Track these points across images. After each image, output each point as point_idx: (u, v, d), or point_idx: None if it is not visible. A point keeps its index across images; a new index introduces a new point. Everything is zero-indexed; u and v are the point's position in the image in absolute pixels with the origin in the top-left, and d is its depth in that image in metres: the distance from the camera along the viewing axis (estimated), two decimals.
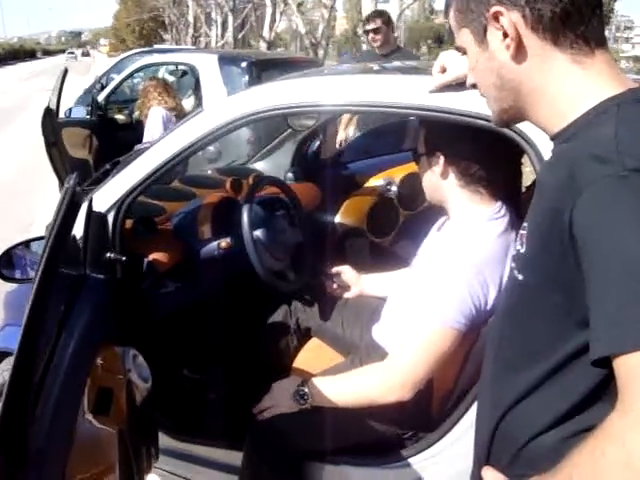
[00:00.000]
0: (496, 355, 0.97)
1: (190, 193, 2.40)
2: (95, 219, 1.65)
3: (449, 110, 1.44)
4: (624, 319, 0.68)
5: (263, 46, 16.91)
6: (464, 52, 0.93)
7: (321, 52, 15.16)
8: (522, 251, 0.88)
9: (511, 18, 0.84)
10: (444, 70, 1.40)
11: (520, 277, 0.88)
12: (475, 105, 1.39)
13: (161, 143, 1.76)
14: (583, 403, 0.82)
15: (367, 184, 3.18)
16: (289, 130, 3.07)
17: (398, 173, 3.22)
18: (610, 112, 0.80)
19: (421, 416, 1.64)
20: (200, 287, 2.05)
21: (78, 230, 1.77)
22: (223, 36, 20.98)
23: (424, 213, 3.38)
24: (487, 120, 1.38)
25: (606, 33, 0.90)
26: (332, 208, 2.95)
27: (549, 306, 0.82)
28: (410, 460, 1.61)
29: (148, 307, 1.92)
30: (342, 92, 1.59)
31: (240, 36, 20.78)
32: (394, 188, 3.16)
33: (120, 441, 0.98)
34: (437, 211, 3.64)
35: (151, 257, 1.90)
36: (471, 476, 1.08)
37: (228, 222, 2.04)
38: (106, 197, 1.75)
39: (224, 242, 1.94)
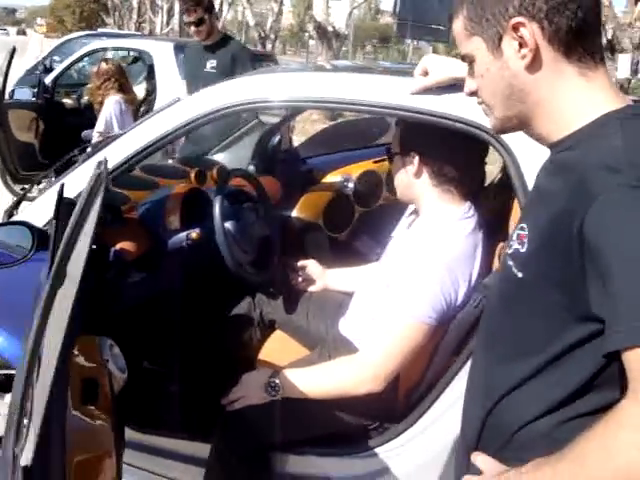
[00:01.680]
0: (488, 347, 1.02)
1: (153, 182, 2.38)
2: (66, 206, 1.62)
3: (426, 112, 1.48)
4: None
5: None
6: (471, 60, 0.96)
7: (269, 46, 15.11)
8: (522, 250, 0.92)
9: (532, 29, 0.88)
10: (426, 73, 1.45)
11: (519, 275, 0.92)
12: (454, 108, 1.45)
13: (135, 131, 1.74)
14: (576, 393, 0.87)
15: (325, 180, 3.22)
16: (251, 123, 3.07)
17: (355, 170, 3.27)
18: (613, 125, 0.86)
19: (387, 408, 1.68)
20: (165, 278, 2.04)
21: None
22: (168, 23, 20.55)
23: (379, 210, 3.46)
24: (463, 123, 1.45)
25: None
26: (290, 203, 2.98)
27: (548, 303, 0.87)
28: (377, 450, 1.66)
29: (112, 298, 1.89)
30: (323, 89, 1.62)
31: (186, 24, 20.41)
32: (351, 185, 3.22)
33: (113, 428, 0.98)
34: (391, 209, 3.72)
35: (118, 246, 1.87)
36: (456, 463, 1.12)
37: (196, 213, 2.03)
38: (77, 184, 1.72)
39: (194, 233, 1.93)
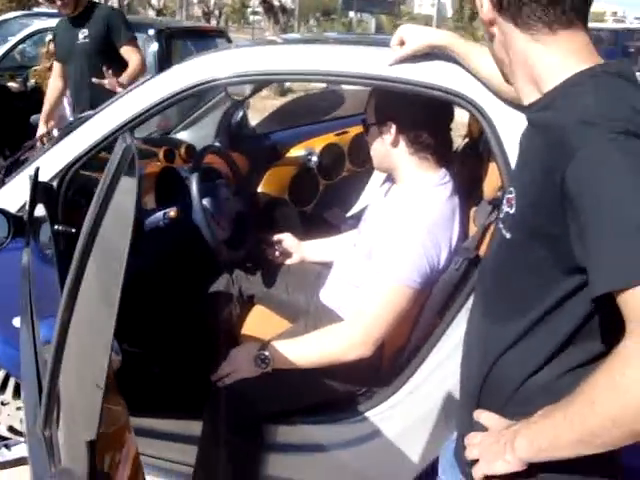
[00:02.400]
0: (484, 312, 1.06)
1: None
2: (43, 190, 1.59)
3: (407, 81, 1.50)
4: (632, 254, 0.77)
5: (151, 14, 16.29)
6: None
7: (213, 22, 14.85)
8: (511, 212, 0.96)
9: (487, 3, 0.98)
10: (402, 43, 1.47)
11: (508, 235, 0.96)
12: (428, 76, 1.48)
13: (107, 111, 1.71)
14: (567, 343, 0.92)
15: (288, 154, 3.23)
16: (212, 100, 3.04)
17: (318, 144, 3.29)
18: (586, 83, 0.90)
19: (374, 372, 1.72)
20: (143, 258, 2.02)
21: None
22: (107, 2, 19.92)
23: (342, 182, 3.49)
24: (443, 91, 1.48)
25: None
26: (255, 178, 2.98)
27: (536, 259, 0.91)
28: (366, 414, 1.70)
29: None
30: (296, 61, 1.62)
31: (126, 3, 19.83)
32: (314, 158, 3.24)
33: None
34: (354, 180, 3.74)
35: None
36: (457, 422, 1.15)
37: (170, 191, 2.02)
38: (49, 167, 1.69)
39: (172, 211, 1.92)
